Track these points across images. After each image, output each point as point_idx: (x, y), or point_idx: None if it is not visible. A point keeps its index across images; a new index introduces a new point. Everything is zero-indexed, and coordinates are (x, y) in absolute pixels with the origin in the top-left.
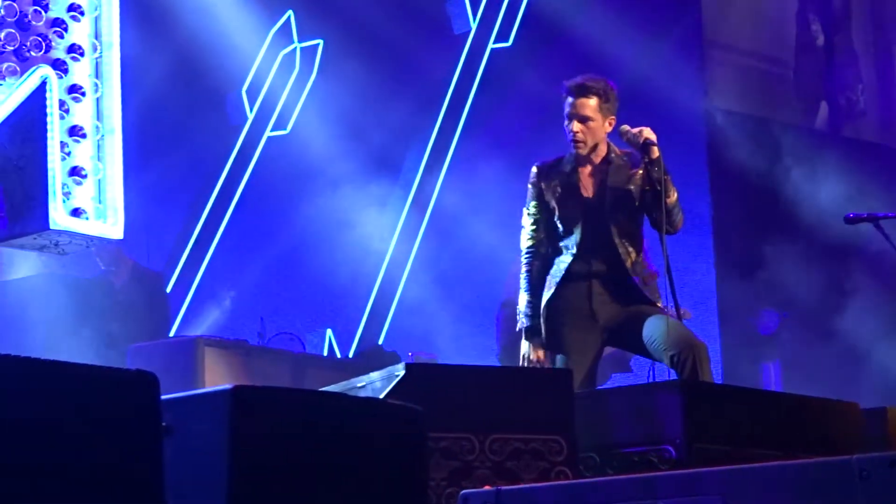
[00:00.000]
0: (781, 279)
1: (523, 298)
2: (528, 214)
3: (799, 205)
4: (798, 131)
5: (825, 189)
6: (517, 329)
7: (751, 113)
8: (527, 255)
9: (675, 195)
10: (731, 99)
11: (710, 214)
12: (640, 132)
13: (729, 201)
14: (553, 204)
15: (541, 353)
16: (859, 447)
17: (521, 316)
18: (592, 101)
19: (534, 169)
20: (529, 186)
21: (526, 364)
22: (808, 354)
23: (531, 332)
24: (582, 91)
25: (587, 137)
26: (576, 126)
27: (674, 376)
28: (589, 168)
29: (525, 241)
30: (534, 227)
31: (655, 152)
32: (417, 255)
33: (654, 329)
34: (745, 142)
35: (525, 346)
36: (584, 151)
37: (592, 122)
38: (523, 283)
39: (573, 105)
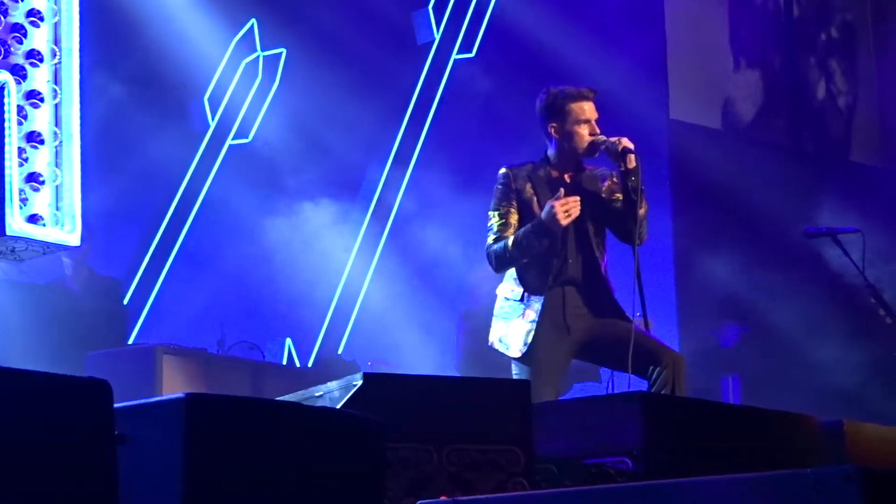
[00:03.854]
0: (742, 293)
1: (517, 237)
2: (499, 215)
3: (761, 218)
4: (760, 144)
5: (786, 202)
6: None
7: (712, 126)
8: (492, 245)
9: (646, 207)
10: (693, 112)
11: (672, 227)
12: (619, 141)
13: (690, 214)
14: (534, 207)
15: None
16: (816, 460)
17: (525, 233)
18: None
19: (504, 170)
20: (499, 187)
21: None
22: (767, 368)
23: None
24: (593, 96)
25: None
26: (594, 128)
27: (637, 387)
28: (564, 174)
29: (491, 239)
30: (501, 223)
31: (633, 161)
32: (378, 266)
33: (628, 342)
34: (707, 155)
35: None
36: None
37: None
38: (507, 246)
39: (590, 110)
